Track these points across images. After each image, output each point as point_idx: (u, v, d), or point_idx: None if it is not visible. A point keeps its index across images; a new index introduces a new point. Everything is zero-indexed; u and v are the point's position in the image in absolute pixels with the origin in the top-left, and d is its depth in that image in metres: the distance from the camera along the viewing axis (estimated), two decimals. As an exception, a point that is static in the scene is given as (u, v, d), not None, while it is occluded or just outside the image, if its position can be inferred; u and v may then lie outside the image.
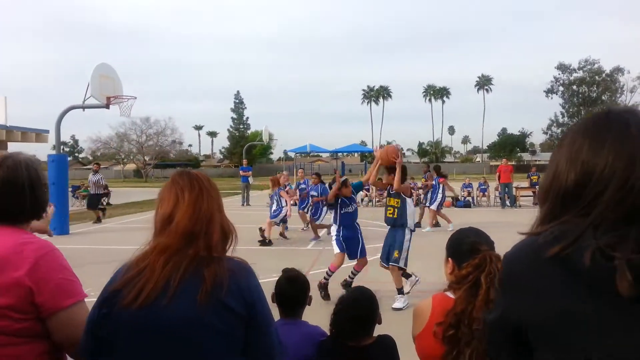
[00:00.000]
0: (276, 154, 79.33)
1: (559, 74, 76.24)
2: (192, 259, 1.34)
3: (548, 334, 0.87)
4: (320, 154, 71.10)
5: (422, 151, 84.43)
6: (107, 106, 13.98)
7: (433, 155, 79.98)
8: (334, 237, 6.56)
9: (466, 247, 1.86)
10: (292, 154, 63.15)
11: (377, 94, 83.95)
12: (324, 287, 6.22)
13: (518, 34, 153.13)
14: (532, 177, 20.44)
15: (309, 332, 2.34)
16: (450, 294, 1.83)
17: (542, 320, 0.88)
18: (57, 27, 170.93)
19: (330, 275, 6.42)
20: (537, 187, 20.00)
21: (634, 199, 0.85)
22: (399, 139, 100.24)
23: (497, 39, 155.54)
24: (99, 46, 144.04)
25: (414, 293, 6.33)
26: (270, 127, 31.96)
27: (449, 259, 1.92)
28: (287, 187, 11.75)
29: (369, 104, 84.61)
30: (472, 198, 19.68)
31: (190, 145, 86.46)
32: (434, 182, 13.45)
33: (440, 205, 13.37)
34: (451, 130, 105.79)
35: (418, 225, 11.81)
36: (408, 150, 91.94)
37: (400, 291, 6.03)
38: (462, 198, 19.39)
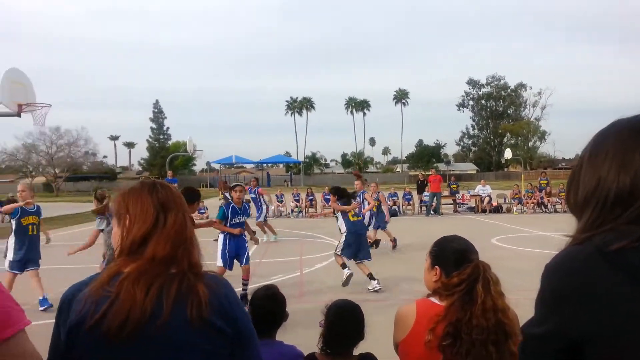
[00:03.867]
0: (199, 165, 77.35)
1: (469, 89, 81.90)
2: (175, 280, 1.26)
3: (612, 345, 0.83)
4: (245, 165, 70.33)
5: (346, 162, 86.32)
6: (18, 114, 12.89)
7: (356, 166, 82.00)
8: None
9: (455, 255, 1.86)
10: (216, 166, 61.92)
11: (300, 106, 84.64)
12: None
13: (433, 49, 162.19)
14: (452, 186, 21.60)
15: (286, 353, 2.23)
16: (435, 300, 1.81)
17: (607, 331, 0.83)
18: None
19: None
20: (456, 195, 21.17)
21: None
22: (323, 150, 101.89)
23: (413, 54, 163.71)
24: (6, 52, 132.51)
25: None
26: (193, 137, 31.02)
27: (436, 266, 1.89)
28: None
29: (293, 115, 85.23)
30: (398, 207, 20.37)
31: (105, 157, 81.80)
32: (252, 196, 13.28)
33: (265, 216, 13.30)
34: (372, 142, 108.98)
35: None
36: (332, 161, 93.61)
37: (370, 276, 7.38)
38: (389, 207, 20.01)
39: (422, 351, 1.72)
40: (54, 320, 1.31)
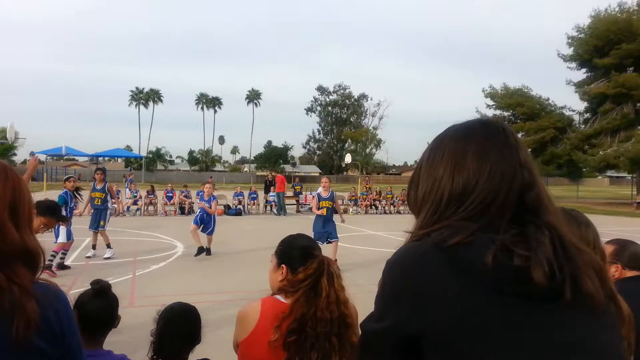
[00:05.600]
0: (21, 155, 67.78)
1: (318, 95, 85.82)
2: None
3: (447, 341, 0.84)
4: (77, 158, 63.69)
5: (192, 159, 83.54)
6: None
7: (203, 164, 79.95)
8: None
9: (300, 252, 1.85)
10: (42, 156, 54.82)
11: (147, 97, 79.72)
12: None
13: (288, 53, 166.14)
14: (295, 187, 22.37)
15: None
16: (281, 298, 1.78)
17: (441, 327, 0.84)
18: None
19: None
20: (300, 196, 21.99)
21: (518, 201, 0.90)
22: (169, 146, 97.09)
23: (269, 56, 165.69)
24: None
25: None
26: (16, 124, 27.15)
27: (282, 265, 1.86)
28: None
29: (138, 107, 79.81)
30: (243, 206, 20.41)
31: None
32: None
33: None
34: (221, 140, 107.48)
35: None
36: (178, 157, 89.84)
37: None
38: (234, 206, 19.96)
39: (264, 351, 1.67)
40: None
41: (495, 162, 0.92)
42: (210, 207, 10.26)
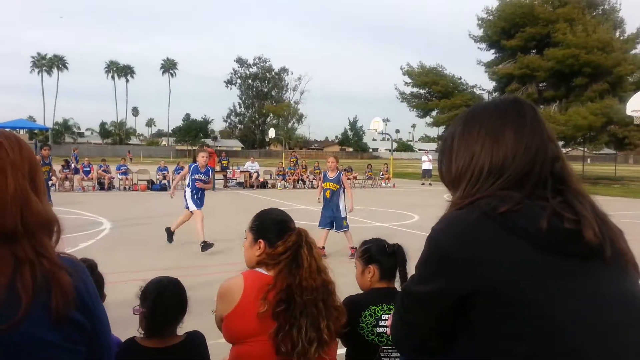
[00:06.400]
0: None
1: (238, 67, 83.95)
2: (25, 267, 1.01)
3: (505, 298, 0.90)
4: (-28, 129, 57.62)
5: (104, 132, 78.75)
6: None
7: (117, 137, 75.77)
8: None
9: (276, 226, 1.91)
10: None
11: (50, 64, 73.44)
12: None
13: (205, 21, 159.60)
14: (222, 162, 22.10)
15: None
16: (262, 271, 1.83)
17: (498, 285, 0.89)
18: None
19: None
20: (227, 170, 21.78)
21: (551, 171, 1.00)
22: (77, 117, 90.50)
23: (183, 24, 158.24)
24: None
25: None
26: None
27: (260, 240, 1.90)
28: None
29: (40, 74, 73.38)
30: (168, 181, 19.85)
31: None
32: None
33: None
34: (135, 112, 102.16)
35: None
36: (88, 130, 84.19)
37: None
38: (158, 181, 19.37)
39: (252, 322, 1.71)
40: None
41: (530, 136, 1.01)
42: (208, 182, 8.63)
